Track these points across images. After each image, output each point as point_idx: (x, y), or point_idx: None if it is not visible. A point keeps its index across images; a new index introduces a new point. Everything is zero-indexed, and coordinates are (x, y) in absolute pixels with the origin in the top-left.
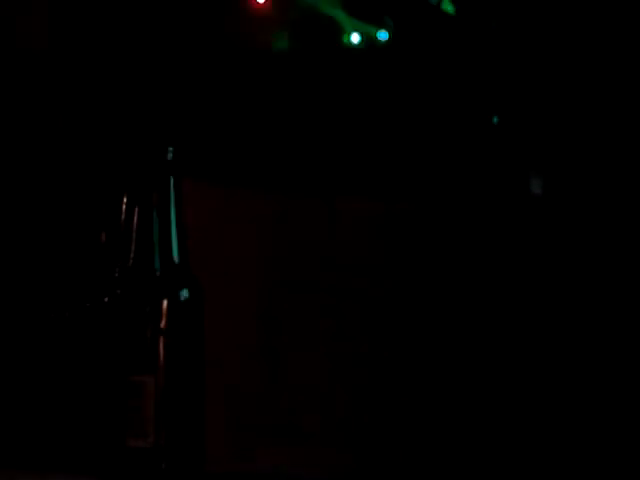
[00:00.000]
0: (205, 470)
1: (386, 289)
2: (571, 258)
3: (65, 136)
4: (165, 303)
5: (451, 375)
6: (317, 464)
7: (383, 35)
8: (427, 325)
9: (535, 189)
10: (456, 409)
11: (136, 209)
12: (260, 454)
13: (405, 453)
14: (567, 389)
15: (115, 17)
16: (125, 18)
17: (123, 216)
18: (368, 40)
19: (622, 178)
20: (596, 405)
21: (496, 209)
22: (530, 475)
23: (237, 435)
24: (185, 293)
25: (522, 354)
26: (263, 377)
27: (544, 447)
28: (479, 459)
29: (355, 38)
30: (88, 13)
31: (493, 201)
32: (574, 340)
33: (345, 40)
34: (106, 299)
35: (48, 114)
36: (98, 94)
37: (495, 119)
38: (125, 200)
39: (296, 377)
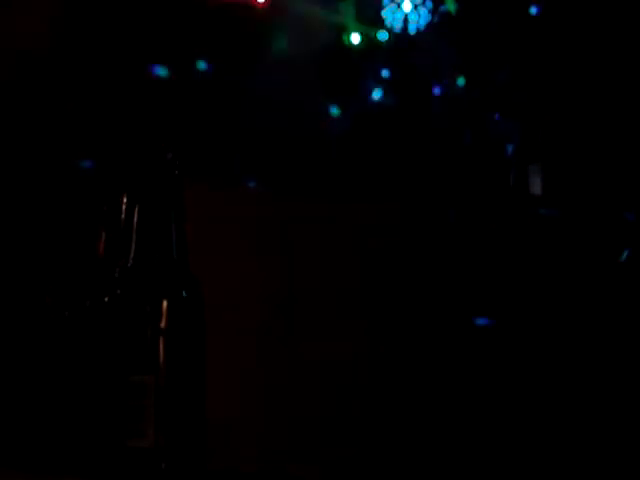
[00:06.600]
0: (205, 470)
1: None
2: (570, 256)
3: (66, 136)
4: (165, 303)
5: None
6: None
7: (383, 35)
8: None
9: (535, 189)
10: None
11: (136, 209)
12: None
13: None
14: (566, 387)
15: (115, 19)
16: (125, 21)
17: (123, 216)
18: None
19: (621, 178)
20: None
21: (496, 209)
22: (527, 475)
23: None
24: (185, 293)
25: (520, 351)
26: None
27: (534, 446)
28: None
29: (355, 38)
30: (89, 16)
31: (493, 201)
32: (574, 336)
33: (345, 40)
34: (106, 299)
35: (50, 114)
36: (99, 95)
37: (497, 117)
38: (125, 200)
39: None
